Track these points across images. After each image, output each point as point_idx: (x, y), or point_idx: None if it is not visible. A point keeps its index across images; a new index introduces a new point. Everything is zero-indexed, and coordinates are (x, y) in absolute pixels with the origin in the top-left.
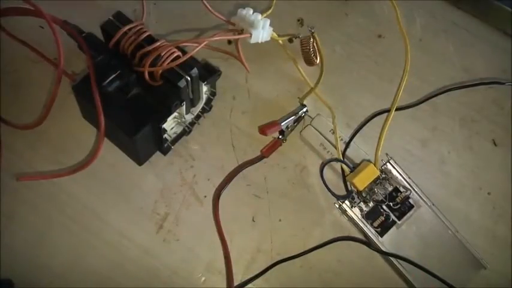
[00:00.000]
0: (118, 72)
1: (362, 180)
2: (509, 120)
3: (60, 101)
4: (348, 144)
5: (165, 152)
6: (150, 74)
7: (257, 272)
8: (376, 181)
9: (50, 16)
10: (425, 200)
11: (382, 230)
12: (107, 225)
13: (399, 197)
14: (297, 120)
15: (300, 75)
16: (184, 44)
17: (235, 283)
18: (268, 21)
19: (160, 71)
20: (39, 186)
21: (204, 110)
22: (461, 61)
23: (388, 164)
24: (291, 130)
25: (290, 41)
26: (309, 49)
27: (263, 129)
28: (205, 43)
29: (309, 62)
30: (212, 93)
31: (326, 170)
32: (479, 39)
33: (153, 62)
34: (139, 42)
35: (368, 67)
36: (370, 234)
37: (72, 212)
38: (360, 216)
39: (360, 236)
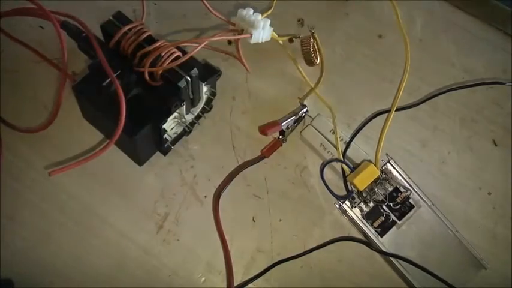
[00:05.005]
0: (118, 72)
1: (362, 181)
2: (509, 120)
3: None
4: (348, 145)
5: (165, 152)
6: (150, 74)
7: (257, 272)
8: (377, 181)
9: (54, 16)
10: (425, 200)
11: (382, 230)
12: (107, 225)
13: (399, 197)
14: (297, 121)
15: (300, 75)
16: (184, 44)
17: (235, 283)
18: (268, 21)
19: (160, 71)
20: (40, 186)
21: (204, 110)
22: (462, 61)
23: (388, 164)
24: (291, 130)
25: (290, 41)
26: (309, 49)
27: (263, 130)
28: (205, 43)
29: (309, 62)
30: (212, 93)
31: (326, 170)
32: (479, 39)
33: (153, 62)
34: (139, 42)
35: (368, 67)
36: (370, 234)
37: (72, 212)
38: (360, 216)
39: (360, 236)
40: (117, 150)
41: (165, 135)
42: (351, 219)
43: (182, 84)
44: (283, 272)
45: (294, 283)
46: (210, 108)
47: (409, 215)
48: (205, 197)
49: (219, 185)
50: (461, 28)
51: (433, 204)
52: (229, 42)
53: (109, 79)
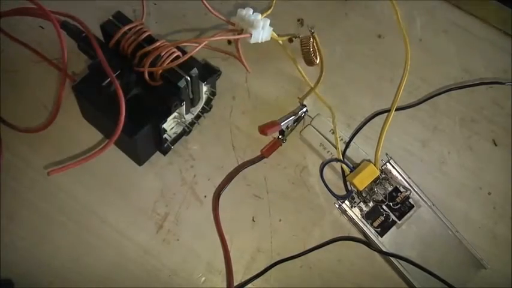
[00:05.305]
0: (118, 72)
1: (362, 180)
2: (509, 120)
3: None
4: (348, 144)
5: (165, 152)
6: (150, 74)
7: (257, 272)
8: (376, 181)
9: (54, 16)
10: (425, 200)
11: (382, 230)
12: (107, 225)
13: (399, 197)
14: (297, 120)
15: (300, 75)
16: (184, 44)
17: (235, 283)
18: (268, 21)
19: (160, 71)
20: (39, 186)
21: (204, 110)
22: (461, 61)
23: (388, 164)
24: (291, 130)
25: (290, 41)
26: (309, 49)
27: (263, 129)
28: (205, 43)
29: (309, 62)
30: (212, 93)
31: (326, 170)
32: (479, 39)
33: (153, 62)
34: (139, 42)
35: (368, 67)
36: (370, 234)
37: (72, 212)
38: (359, 216)
39: (360, 236)
40: (117, 150)
41: (165, 135)
42: (351, 219)
43: (182, 84)
44: (283, 272)
45: (294, 283)
46: (210, 108)
47: (408, 214)
48: (205, 196)
49: (219, 185)
50: (461, 28)
51: (433, 204)
52: (229, 42)
53: (109, 79)
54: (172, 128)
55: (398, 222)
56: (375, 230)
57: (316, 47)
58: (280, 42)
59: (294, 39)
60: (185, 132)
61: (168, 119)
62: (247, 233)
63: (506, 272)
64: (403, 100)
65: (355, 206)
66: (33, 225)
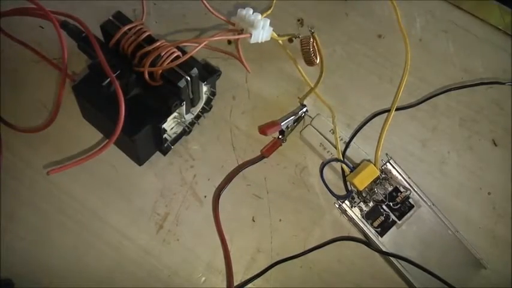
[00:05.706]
0: (118, 72)
1: (362, 180)
2: (509, 120)
3: None
4: (348, 144)
5: (165, 152)
6: (150, 74)
7: (257, 272)
8: (376, 181)
9: (54, 16)
10: (425, 200)
11: (382, 230)
12: (107, 225)
13: (399, 197)
14: (297, 120)
15: (300, 75)
16: (184, 44)
17: (235, 283)
18: (268, 21)
19: (160, 71)
20: (39, 186)
21: (204, 110)
22: (461, 61)
23: (388, 164)
24: (291, 130)
25: (290, 41)
26: (309, 49)
27: (263, 129)
28: (205, 43)
29: (309, 62)
30: (212, 93)
31: (326, 170)
32: (479, 39)
33: (153, 62)
34: (139, 42)
35: (368, 67)
36: (370, 234)
37: (72, 212)
38: (359, 216)
39: (360, 236)
40: (117, 150)
41: (165, 135)
42: (351, 219)
43: (182, 84)
44: (283, 272)
45: (294, 283)
46: (210, 108)
47: (408, 214)
48: (205, 197)
49: (219, 185)
50: (461, 28)
51: (433, 204)
52: (229, 42)
53: (109, 79)
54: (172, 128)
55: (398, 222)
56: (375, 230)
57: (316, 47)
58: (280, 42)
59: (294, 39)
60: (185, 132)
61: (168, 119)
62: (247, 233)
63: (506, 272)
64: (403, 100)
65: (355, 206)
66: (33, 225)
